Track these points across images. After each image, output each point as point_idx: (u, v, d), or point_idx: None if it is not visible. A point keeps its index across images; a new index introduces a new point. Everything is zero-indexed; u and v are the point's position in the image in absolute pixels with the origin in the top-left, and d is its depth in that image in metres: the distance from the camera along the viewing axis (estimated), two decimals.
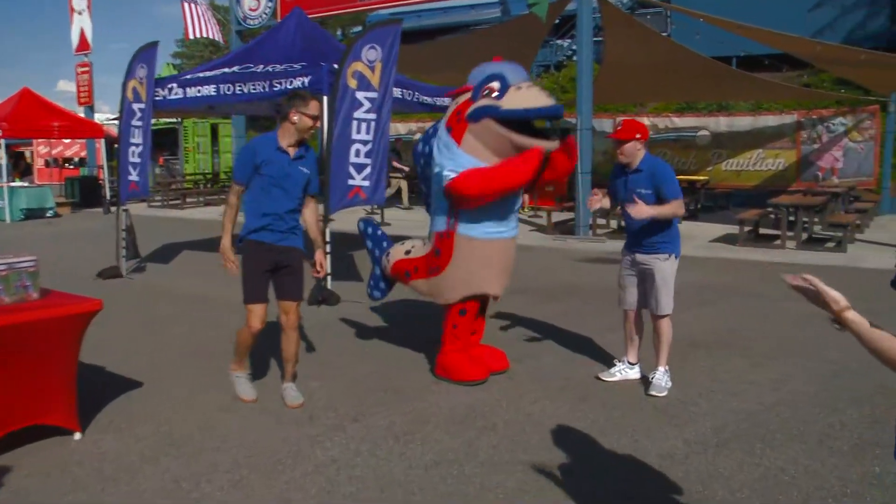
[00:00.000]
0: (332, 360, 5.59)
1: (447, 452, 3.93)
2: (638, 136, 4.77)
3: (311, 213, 4.76)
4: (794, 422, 4.28)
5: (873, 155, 16.16)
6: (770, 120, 17.13)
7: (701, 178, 16.83)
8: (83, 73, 21.28)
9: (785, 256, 10.46)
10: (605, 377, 5.10)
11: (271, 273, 4.56)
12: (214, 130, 25.70)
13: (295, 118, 4.41)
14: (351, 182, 7.61)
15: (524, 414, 4.45)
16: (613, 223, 13.89)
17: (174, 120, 24.18)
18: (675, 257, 4.86)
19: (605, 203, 5.04)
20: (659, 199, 4.70)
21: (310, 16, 10.85)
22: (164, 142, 26.20)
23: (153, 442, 4.12)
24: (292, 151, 4.51)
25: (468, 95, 4.85)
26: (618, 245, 12.03)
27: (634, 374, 5.12)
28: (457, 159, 4.77)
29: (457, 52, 14.70)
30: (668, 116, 18.63)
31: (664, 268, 4.82)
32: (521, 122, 4.68)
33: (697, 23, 12.34)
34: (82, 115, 20.59)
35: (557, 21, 18.02)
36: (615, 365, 5.19)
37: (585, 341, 6.07)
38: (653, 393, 4.77)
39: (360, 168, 7.64)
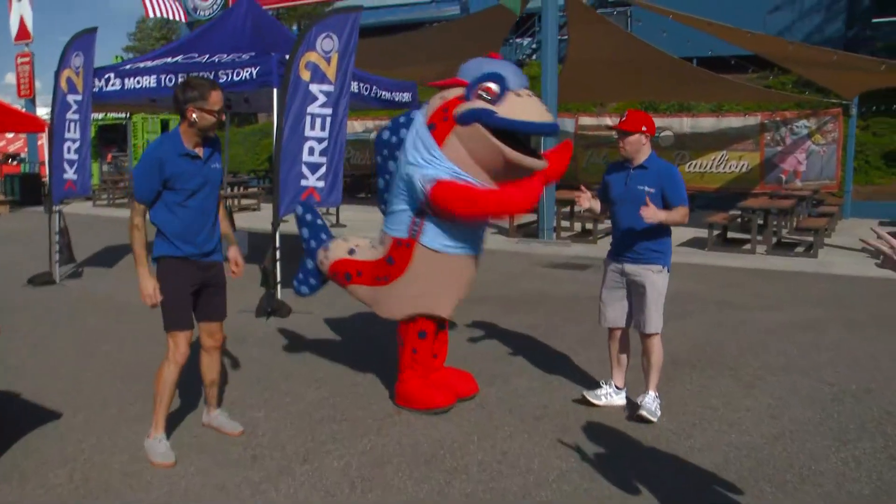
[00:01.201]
0: (279, 384, 4.98)
1: None
2: (644, 128, 4.28)
3: (220, 208, 4.11)
4: (803, 458, 3.82)
5: (835, 158, 16.05)
6: (734, 121, 16.92)
7: None
8: (24, 63, 20.16)
9: (755, 262, 10.14)
10: (591, 398, 4.61)
11: (196, 293, 3.93)
12: (165, 126, 24.61)
13: (194, 117, 3.68)
14: (304, 182, 6.99)
15: (499, 452, 3.91)
16: (578, 226, 13.48)
17: (122, 115, 23.13)
18: (668, 270, 4.39)
19: (595, 204, 4.55)
20: (663, 203, 4.24)
21: (264, 6, 10.20)
22: (113, 138, 25.11)
23: (64, 493, 3.49)
24: (200, 152, 3.82)
25: (459, 91, 4.19)
26: (582, 250, 11.82)
27: (620, 399, 4.63)
28: (437, 163, 4.17)
29: (416, 48, 14.13)
30: None
31: (656, 281, 4.34)
32: (514, 134, 4.10)
33: (662, 21, 11.95)
34: (23, 108, 19.49)
35: (518, 19, 17.67)
36: (601, 387, 4.71)
37: (559, 359, 5.56)
38: (642, 414, 4.30)
39: (314, 167, 7.02)
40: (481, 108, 4.05)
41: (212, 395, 4.21)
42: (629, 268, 4.40)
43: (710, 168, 16.98)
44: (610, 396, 4.62)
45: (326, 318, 6.79)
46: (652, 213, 4.09)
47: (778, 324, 6.62)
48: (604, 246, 11.92)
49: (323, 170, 7.03)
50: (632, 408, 4.47)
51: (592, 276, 9.10)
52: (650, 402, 4.37)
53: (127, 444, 3.99)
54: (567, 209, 13.56)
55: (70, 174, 8.41)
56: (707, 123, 17.10)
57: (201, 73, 7.62)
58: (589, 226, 12.70)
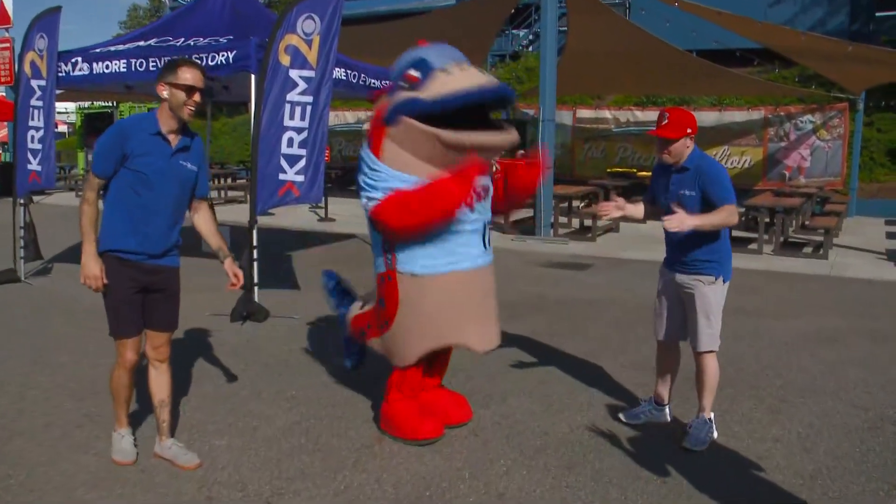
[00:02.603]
0: (246, 404, 4.43)
1: None
2: (689, 130, 3.75)
3: (205, 221, 3.69)
4: None
5: (841, 154, 15.57)
6: (737, 116, 16.43)
7: None
8: (3, 49, 19.41)
9: (763, 262, 9.64)
10: (629, 419, 4.19)
11: (142, 295, 3.49)
12: None
13: (164, 93, 3.36)
14: (282, 177, 6.42)
15: (495, 494, 3.37)
16: (576, 222, 12.95)
17: (109, 104, 22.47)
18: (724, 281, 3.87)
19: (630, 211, 4.03)
20: (706, 205, 3.72)
21: None
22: (100, 126, 24.43)
23: None
24: (174, 140, 3.42)
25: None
26: (582, 248, 11.28)
27: (663, 416, 4.20)
28: (378, 177, 3.67)
29: (407, 37, 13.55)
30: (630, 110, 17.81)
31: (707, 294, 3.82)
32: (452, 114, 3.51)
33: (666, 11, 11.44)
34: (3, 95, 18.81)
35: (514, 10, 17.10)
36: (640, 404, 4.26)
37: (561, 375, 5.03)
38: (687, 446, 3.84)
39: (292, 160, 6.45)
40: (404, 100, 3.57)
41: (163, 420, 3.68)
42: (680, 278, 3.91)
43: None
44: (650, 414, 4.20)
45: (309, 324, 6.24)
46: (678, 222, 3.56)
47: (797, 335, 6.10)
48: (603, 244, 11.46)
49: (302, 163, 6.46)
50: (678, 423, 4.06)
51: (593, 278, 8.58)
52: (698, 429, 3.90)
53: (66, 480, 3.43)
54: (565, 205, 13.03)
55: (34, 165, 7.82)
56: (709, 118, 16.59)
57: (174, 57, 7.04)
58: (588, 223, 12.17)
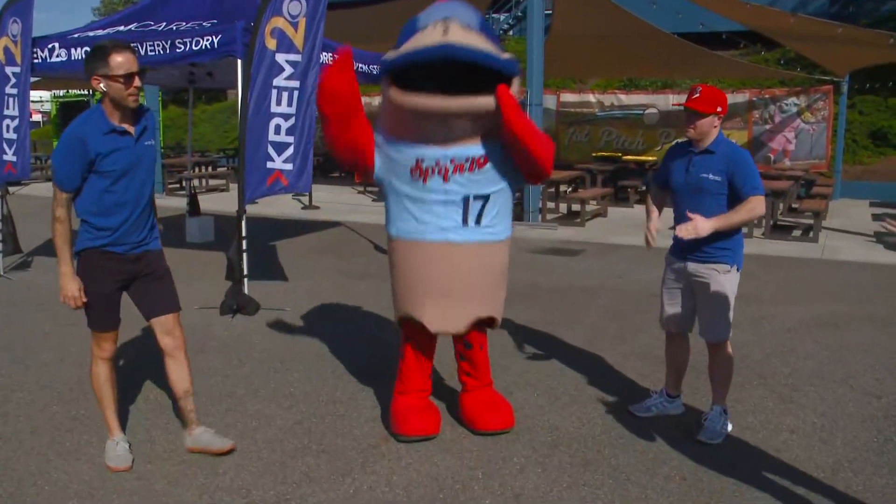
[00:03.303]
0: (244, 403, 4.27)
1: None
2: (719, 109, 3.62)
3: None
4: (873, 497, 3.20)
5: (825, 137, 15.57)
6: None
7: (650, 158, 15.96)
8: None
9: (755, 246, 9.55)
10: (638, 412, 4.07)
11: (125, 288, 3.40)
12: None
13: (101, 86, 3.15)
14: (270, 165, 6.22)
15: (511, 495, 3.23)
16: (564, 207, 12.83)
17: (84, 92, 21.97)
18: (738, 269, 3.75)
19: (657, 220, 3.95)
20: (731, 194, 3.59)
21: None
22: (75, 115, 23.91)
23: None
24: (132, 129, 3.26)
25: None
26: (571, 234, 11.16)
27: (675, 409, 4.09)
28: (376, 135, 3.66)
29: (391, 21, 13.32)
30: (614, 93, 17.69)
31: (723, 282, 3.69)
32: (415, 76, 3.33)
33: None
34: None
35: None
36: (651, 396, 4.14)
37: (564, 366, 4.91)
38: (703, 439, 3.72)
39: (280, 148, 6.24)
40: (382, 58, 3.45)
41: (189, 409, 3.60)
42: (693, 267, 3.75)
43: None
44: (661, 406, 4.08)
45: (302, 317, 6.06)
46: (694, 229, 3.47)
47: (798, 321, 6.03)
48: (592, 229, 11.35)
49: (290, 150, 6.25)
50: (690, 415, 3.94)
51: (585, 264, 8.47)
52: (714, 421, 3.79)
53: (55, 490, 3.26)
54: (552, 189, 12.90)
55: (9, 156, 7.55)
56: None
57: (156, 42, 6.80)
58: (576, 207, 12.06)
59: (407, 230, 3.65)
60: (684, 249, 3.76)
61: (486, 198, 3.61)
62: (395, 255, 3.77)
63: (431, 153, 3.49)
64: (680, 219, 3.71)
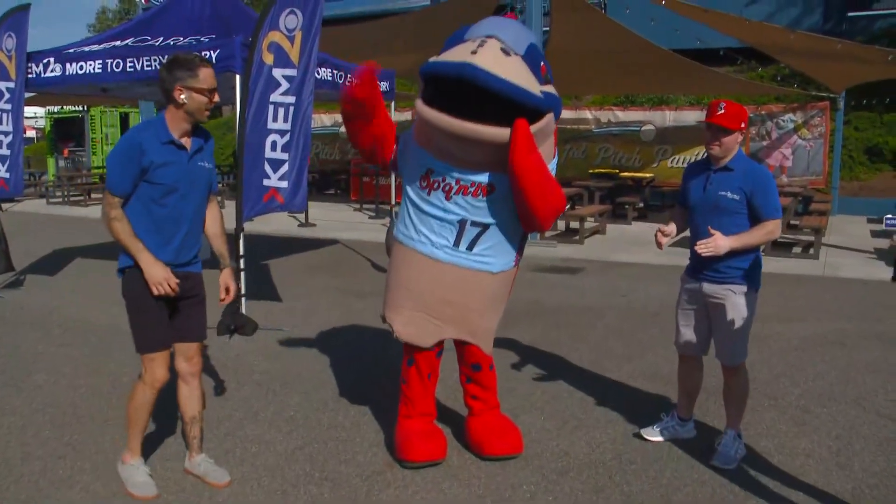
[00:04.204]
0: (242, 428, 4.14)
1: None
2: (742, 125, 3.51)
3: (214, 220, 3.51)
4: None
5: (822, 153, 15.57)
6: None
7: (646, 175, 15.95)
8: None
9: None
10: (649, 436, 3.95)
11: (171, 306, 3.31)
12: (125, 120, 23.38)
13: (182, 97, 3.13)
14: (266, 182, 6.13)
15: None
16: (562, 224, 12.75)
17: (79, 108, 21.87)
18: (756, 290, 3.63)
19: (673, 231, 3.78)
20: (750, 213, 3.49)
21: None
22: (70, 132, 23.80)
23: None
24: (189, 144, 3.21)
25: None
26: (570, 251, 11.08)
27: (687, 432, 3.97)
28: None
29: (390, 37, 13.29)
30: (610, 110, 17.69)
31: (741, 305, 3.57)
32: (439, 84, 3.25)
33: (651, 10, 11.29)
34: None
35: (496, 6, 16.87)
36: (661, 419, 4.03)
37: (569, 388, 4.80)
38: (718, 465, 3.61)
39: (276, 165, 6.16)
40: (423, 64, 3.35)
41: (193, 436, 3.53)
42: (709, 288, 3.63)
43: None
44: (673, 430, 3.96)
45: (301, 337, 5.95)
46: (712, 248, 3.37)
47: (804, 339, 5.94)
48: (591, 246, 11.27)
49: (285, 167, 6.16)
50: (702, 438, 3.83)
51: (585, 282, 8.38)
52: (728, 446, 3.68)
53: None
54: None
55: (2, 172, 7.46)
56: (689, 117, 16.49)
57: (153, 57, 6.73)
58: (575, 225, 11.99)
59: (405, 235, 3.66)
60: (699, 269, 3.66)
61: (484, 227, 3.51)
62: (393, 256, 3.81)
63: (441, 167, 3.43)
64: (696, 237, 3.62)
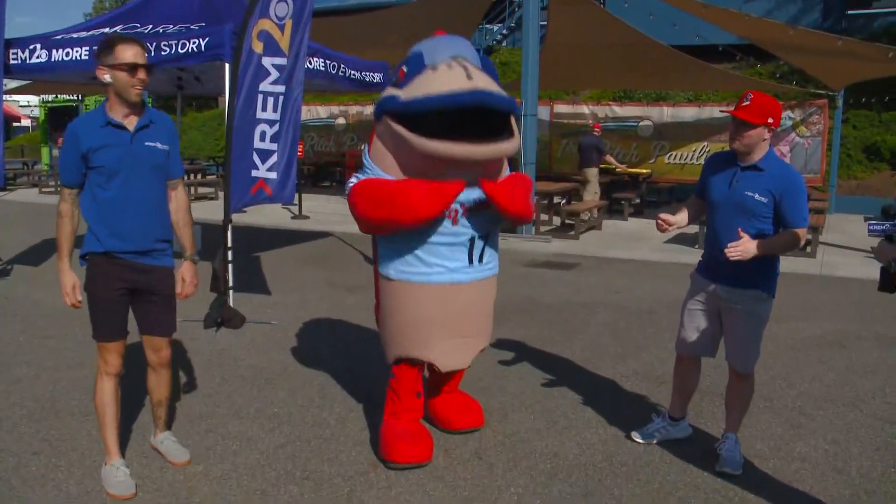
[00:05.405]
0: (225, 424, 4.03)
1: None
2: (770, 120, 3.26)
3: (178, 207, 3.40)
4: None
5: (820, 151, 15.48)
6: (716, 111, 16.22)
7: (643, 171, 15.85)
8: None
9: None
10: (641, 438, 3.84)
11: (130, 297, 3.23)
12: None
13: (106, 77, 3.07)
14: (255, 173, 6.01)
15: None
16: (557, 220, 12.65)
17: (73, 97, 21.70)
18: (772, 295, 3.48)
19: (679, 218, 3.63)
20: (776, 218, 3.32)
21: None
22: (64, 121, 23.62)
23: None
24: (130, 123, 3.13)
25: None
26: (565, 247, 10.97)
27: (680, 432, 3.87)
28: (366, 174, 3.49)
29: (386, 30, 13.17)
30: (608, 105, 17.58)
31: (758, 311, 3.43)
32: (428, 118, 3.20)
33: (650, 4, 11.19)
34: None
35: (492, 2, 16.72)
36: (652, 421, 3.91)
37: (561, 387, 4.69)
38: (725, 470, 3.48)
39: (264, 156, 6.03)
40: (388, 96, 3.33)
41: (159, 416, 3.59)
42: (723, 291, 3.46)
43: (691, 159, 16.28)
44: (665, 431, 3.85)
45: (289, 331, 5.84)
46: (744, 250, 3.18)
47: (801, 340, 5.85)
48: (586, 242, 11.17)
49: (274, 158, 6.04)
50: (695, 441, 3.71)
51: (580, 277, 8.28)
52: (732, 451, 3.55)
53: None
54: (546, 202, 12.72)
55: None
56: (687, 113, 16.42)
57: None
58: (570, 220, 11.89)
59: (410, 272, 3.51)
60: (716, 270, 3.49)
61: (487, 236, 3.60)
62: (395, 297, 3.60)
63: None
64: (715, 236, 3.47)
